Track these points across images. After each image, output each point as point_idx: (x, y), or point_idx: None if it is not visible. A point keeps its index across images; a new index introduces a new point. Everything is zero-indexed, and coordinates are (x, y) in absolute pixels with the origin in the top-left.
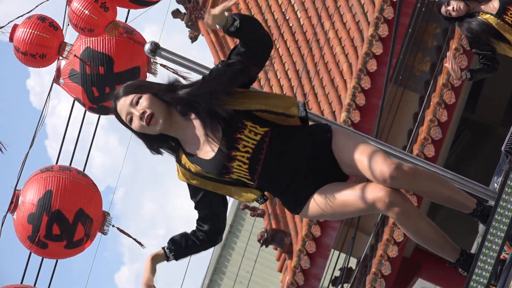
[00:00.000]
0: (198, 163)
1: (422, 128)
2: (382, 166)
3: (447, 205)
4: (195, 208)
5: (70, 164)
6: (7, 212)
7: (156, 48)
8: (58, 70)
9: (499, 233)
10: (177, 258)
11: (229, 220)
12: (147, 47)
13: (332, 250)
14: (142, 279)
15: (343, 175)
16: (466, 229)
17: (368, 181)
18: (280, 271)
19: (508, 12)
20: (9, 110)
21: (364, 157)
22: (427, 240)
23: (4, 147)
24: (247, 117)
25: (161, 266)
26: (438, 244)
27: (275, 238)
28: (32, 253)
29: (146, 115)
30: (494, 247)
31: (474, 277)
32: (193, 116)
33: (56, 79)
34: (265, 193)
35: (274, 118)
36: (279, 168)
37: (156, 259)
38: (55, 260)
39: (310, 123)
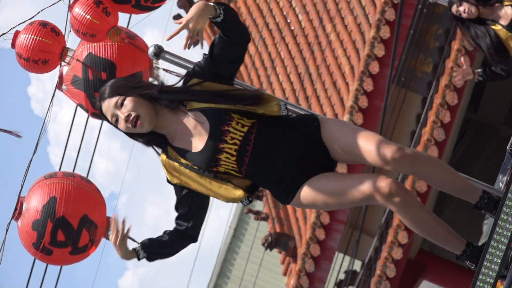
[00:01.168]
0: (187, 157)
1: (425, 130)
2: (384, 149)
3: (451, 192)
4: (176, 206)
5: (74, 171)
6: (11, 219)
7: (160, 51)
8: (61, 76)
9: (505, 232)
10: (149, 259)
11: (233, 224)
12: (151, 50)
13: (337, 253)
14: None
15: (332, 163)
16: (473, 226)
17: (366, 171)
18: (285, 274)
19: None
20: (10, 117)
21: (365, 141)
22: (430, 232)
23: (19, 135)
24: (234, 109)
25: (168, 270)
26: (442, 236)
27: (279, 241)
28: (36, 260)
29: (131, 118)
30: (503, 239)
31: (483, 270)
32: (181, 111)
33: (59, 86)
34: (253, 195)
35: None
36: (267, 159)
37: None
38: (59, 267)
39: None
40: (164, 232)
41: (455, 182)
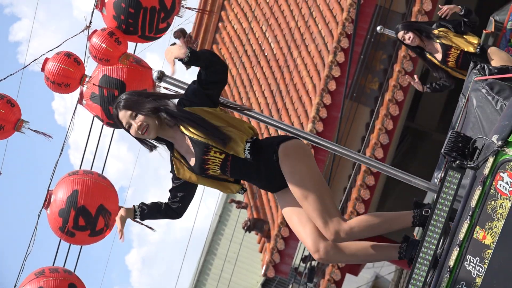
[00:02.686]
0: (186, 164)
1: (373, 135)
2: (323, 232)
3: (390, 231)
4: (172, 189)
5: (91, 169)
6: (42, 208)
7: (162, 76)
8: (81, 93)
9: (441, 219)
10: (142, 217)
11: (218, 212)
12: (154, 75)
13: None
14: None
15: None
16: None
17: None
18: (261, 252)
19: (449, 57)
20: (38, 127)
21: (309, 215)
22: (366, 260)
23: (50, 136)
24: (211, 144)
25: (166, 249)
26: (377, 256)
27: (256, 225)
28: (62, 241)
29: (142, 127)
30: (438, 225)
31: (421, 254)
32: (179, 130)
33: (80, 101)
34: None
35: None
36: (245, 176)
37: (127, 212)
38: (80, 246)
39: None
40: (162, 202)
41: (390, 228)
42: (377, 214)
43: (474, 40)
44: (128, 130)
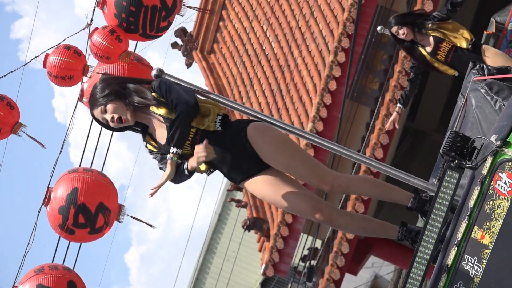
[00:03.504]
0: (157, 145)
1: (373, 135)
2: (320, 184)
3: (385, 200)
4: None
5: (91, 167)
6: (41, 206)
7: (161, 74)
8: (82, 91)
9: (439, 218)
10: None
11: (218, 210)
12: (154, 72)
13: (302, 233)
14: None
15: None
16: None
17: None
18: (260, 251)
19: (440, 50)
20: (38, 125)
21: (300, 175)
22: (365, 232)
23: (43, 145)
24: None
25: (165, 247)
26: (375, 232)
27: (256, 224)
28: (61, 238)
29: (115, 119)
30: (437, 224)
31: (419, 253)
32: (148, 112)
33: (80, 98)
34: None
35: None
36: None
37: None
38: (79, 244)
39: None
40: None
41: (389, 196)
42: (376, 179)
43: (467, 36)
44: (109, 127)
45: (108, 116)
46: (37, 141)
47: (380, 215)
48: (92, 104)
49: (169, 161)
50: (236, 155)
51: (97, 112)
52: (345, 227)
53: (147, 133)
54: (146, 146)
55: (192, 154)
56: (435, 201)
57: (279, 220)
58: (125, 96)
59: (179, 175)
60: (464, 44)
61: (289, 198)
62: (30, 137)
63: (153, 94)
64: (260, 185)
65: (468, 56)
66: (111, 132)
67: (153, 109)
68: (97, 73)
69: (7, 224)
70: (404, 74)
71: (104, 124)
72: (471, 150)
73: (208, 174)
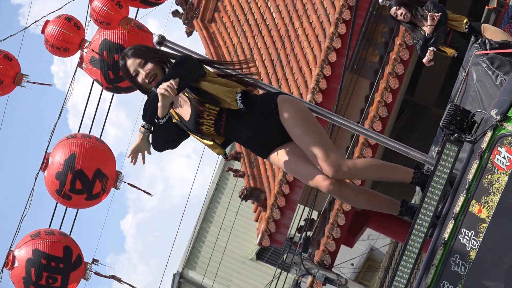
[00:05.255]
0: (181, 120)
1: (372, 108)
2: (324, 166)
3: (390, 181)
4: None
5: (90, 133)
6: (39, 171)
7: (163, 40)
8: (81, 57)
9: (437, 191)
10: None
11: (216, 180)
12: (155, 39)
13: (298, 204)
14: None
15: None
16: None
17: None
18: (257, 221)
19: None
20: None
21: (309, 152)
22: (368, 206)
23: (49, 84)
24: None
25: (162, 215)
26: (378, 206)
27: (252, 194)
28: (58, 204)
29: (150, 75)
30: (435, 197)
31: (416, 226)
32: None
33: (80, 64)
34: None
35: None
36: (239, 132)
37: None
38: (76, 209)
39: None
40: None
41: (391, 177)
42: (380, 160)
43: (463, 19)
44: (134, 79)
45: (144, 71)
46: (43, 83)
47: (376, 189)
48: (130, 54)
49: (138, 133)
50: (265, 130)
51: (133, 62)
52: (352, 199)
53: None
54: (168, 117)
55: (215, 134)
56: (434, 174)
57: (276, 190)
58: (166, 63)
59: (160, 139)
60: (461, 29)
61: (307, 171)
62: (35, 82)
63: None
64: (282, 158)
65: (466, 37)
66: (110, 98)
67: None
68: (92, 50)
69: (4, 188)
70: (404, 47)
71: (129, 76)
72: (471, 124)
73: (226, 159)
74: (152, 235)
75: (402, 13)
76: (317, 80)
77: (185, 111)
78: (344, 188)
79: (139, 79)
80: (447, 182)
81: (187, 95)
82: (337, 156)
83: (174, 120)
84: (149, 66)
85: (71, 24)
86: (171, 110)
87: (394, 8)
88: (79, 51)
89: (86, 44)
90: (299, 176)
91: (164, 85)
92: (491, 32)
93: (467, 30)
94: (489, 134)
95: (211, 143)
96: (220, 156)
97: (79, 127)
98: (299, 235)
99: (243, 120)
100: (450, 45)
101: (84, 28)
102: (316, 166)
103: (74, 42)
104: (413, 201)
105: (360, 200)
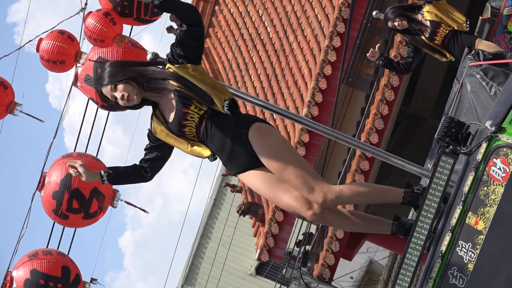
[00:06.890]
0: (167, 123)
1: (368, 120)
2: (310, 198)
3: (380, 203)
4: (147, 148)
5: (86, 152)
6: (35, 191)
7: (156, 57)
8: (76, 75)
9: (433, 204)
10: (111, 181)
11: (213, 195)
12: (148, 57)
13: (296, 218)
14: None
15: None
16: None
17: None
18: (255, 236)
19: (437, 35)
20: (32, 110)
21: (292, 185)
22: (356, 229)
23: (41, 120)
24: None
25: (161, 231)
26: (369, 228)
27: (250, 209)
28: (55, 223)
29: (125, 97)
30: (431, 209)
31: (413, 239)
32: (164, 90)
33: (74, 83)
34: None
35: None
36: (214, 138)
37: (93, 174)
38: (73, 229)
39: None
40: (132, 164)
41: (380, 200)
42: (368, 183)
43: (463, 18)
44: (117, 104)
45: (118, 95)
46: (35, 117)
47: (369, 207)
48: (103, 82)
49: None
50: (235, 148)
51: (106, 90)
52: (338, 225)
53: (157, 109)
54: (152, 121)
55: (194, 138)
56: (430, 187)
57: (274, 205)
58: (137, 80)
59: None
60: (463, 27)
61: (282, 196)
62: (27, 114)
63: (169, 65)
64: (254, 180)
65: (465, 40)
66: (106, 116)
67: (172, 82)
68: (89, 60)
69: (1, 209)
70: (399, 59)
71: (112, 102)
72: (465, 136)
73: (211, 160)
74: (151, 252)
75: (398, 23)
76: (312, 94)
77: (170, 112)
78: (326, 215)
79: (120, 102)
80: (443, 194)
81: (176, 86)
82: (321, 186)
83: (154, 126)
84: (120, 87)
85: (64, 37)
86: (154, 124)
87: (390, 21)
88: (76, 65)
89: (83, 56)
90: (277, 204)
91: (76, 163)
92: (485, 46)
93: (468, 29)
94: (484, 145)
95: (198, 146)
96: (218, 172)
97: (75, 145)
98: (298, 249)
99: (219, 125)
100: (446, 47)
101: (79, 43)
102: (294, 195)
103: (70, 54)
104: (409, 216)
105: (345, 225)
